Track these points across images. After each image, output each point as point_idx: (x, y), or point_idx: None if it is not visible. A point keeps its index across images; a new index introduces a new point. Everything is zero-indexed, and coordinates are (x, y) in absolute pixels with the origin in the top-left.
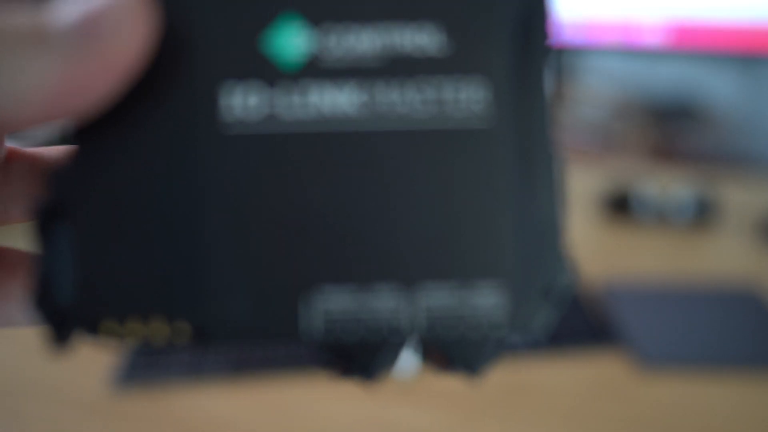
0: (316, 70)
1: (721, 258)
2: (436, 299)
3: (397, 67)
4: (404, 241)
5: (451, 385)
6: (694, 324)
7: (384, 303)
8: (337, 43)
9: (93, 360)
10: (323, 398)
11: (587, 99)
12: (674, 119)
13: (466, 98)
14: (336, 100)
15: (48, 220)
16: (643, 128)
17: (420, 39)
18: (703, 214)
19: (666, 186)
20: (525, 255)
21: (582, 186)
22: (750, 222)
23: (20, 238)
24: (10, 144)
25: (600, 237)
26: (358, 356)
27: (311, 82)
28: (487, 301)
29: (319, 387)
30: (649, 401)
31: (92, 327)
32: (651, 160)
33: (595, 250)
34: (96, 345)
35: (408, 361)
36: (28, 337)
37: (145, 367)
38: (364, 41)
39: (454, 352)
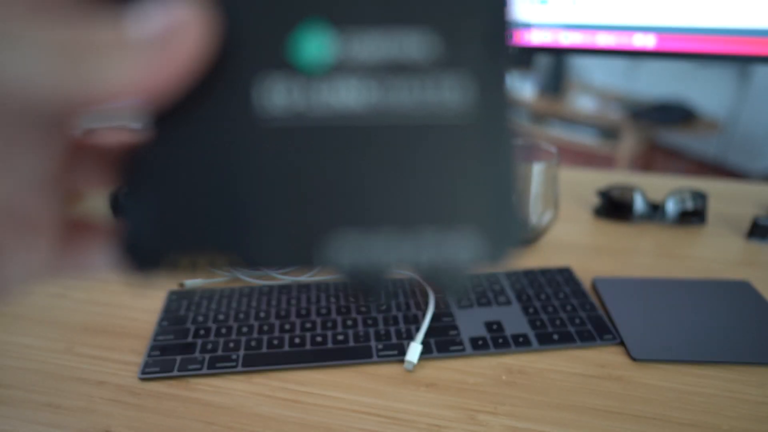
0: (333, 72)
1: (713, 257)
2: (425, 239)
3: (397, 71)
4: (400, 199)
5: (453, 375)
6: (686, 320)
7: (384, 241)
8: (350, 50)
9: (123, 353)
10: (331, 388)
11: (581, 102)
12: (666, 121)
13: (450, 95)
14: (344, 99)
15: (131, 181)
16: (636, 130)
17: (415, 45)
18: (694, 214)
19: (659, 187)
20: (492, 209)
21: (578, 186)
22: (739, 222)
23: (93, 204)
24: (84, 128)
25: (595, 235)
26: (366, 281)
27: (329, 83)
28: (463, 240)
29: (328, 378)
30: (644, 391)
31: (167, 260)
32: (641, 165)
33: (590, 248)
34: (170, 276)
35: (413, 351)
36: (64, 331)
37: (169, 360)
38: (372, 48)
39: (440, 279)
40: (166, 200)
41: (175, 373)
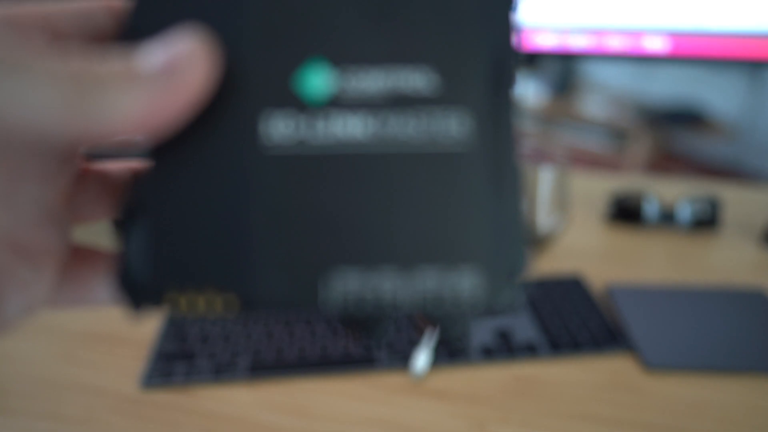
0: (334, 105)
1: (726, 263)
2: (427, 280)
3: (398, 104)
4: (403, 235)
5: (462, 384)
6: (700, 327)
7: (386, 282)
8: (352, 84)
9: (124, 360)
10: (337, 398)
11: (592, 106)
12: (678, 125)
13: (452, 127)
14: (350, 129)
15: (130, 214)
16: (647, 134)
17: (416, 79)
18: (707, 220)
19: (672, 192)
20: (495, 247)
21: (589, 191)
22: (755, 227)
23: (94, 235)
24: (85, 160)
25: (607, 241)
26: (365, 323)
27: (331, 115)
28: (467, 281)
29: (334, 388)
30: (656, 401)
31: (161, 297)
32: (652, 168)
33: (602, 254)
34: (165, 312)
35: (420, 360)
36: (65, 340)
37: (171, 368)
38: (372, 82)
39: (442, 322)
40: (163, 235)
41: (177, 381)
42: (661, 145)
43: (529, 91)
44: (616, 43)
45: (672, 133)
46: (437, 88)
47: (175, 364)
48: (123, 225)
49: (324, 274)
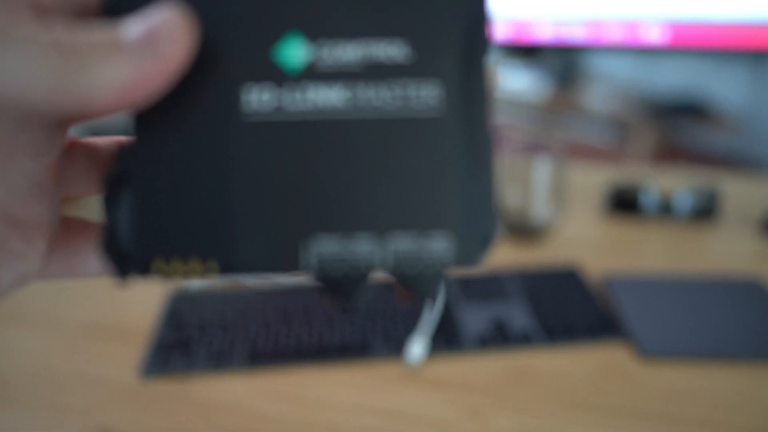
0: (312, 73)
1: (724, 253)
2: (401, 244)
3: (373, 71)
4: (377, 202)
5: (457, 373)
6: (696, 316)
7: (362, 247)
8: (329, 54)
9: (123, 351)
10: (334, 386)
11: (592, 102)
12: (679, 120)
13: (424, 94)
14: (327, 96)
15: (114, 185)
16: (650, 125)
17: (390, 50)
18: (707, 210)
19: (671, 182)
20: (467, 212)
21: (589, 182)
22: (753, 217)
23: (83, 209)
24: (71, 134)
25: (605, 231)
26: (343, 286)
27: (309, 83)
28: (438, 245)
29: (331, 377)
30: (651, 389)
31: (146, 265)
32: (656, 160)
33: (600, 245)
34: (149, 281)
35: (417, 349)
36: (65, 331)
37: (170, 358)
38: (348, 52)
39: (414, 283)
40: (147, 204)
41: (176, 371)
42: (665, 137)
43: (528, 82)
44: (613, 34)
45: (676, 125)
46: (410, 59)
47: (173, 353)
48: (108, 195)
49: (303, 241)
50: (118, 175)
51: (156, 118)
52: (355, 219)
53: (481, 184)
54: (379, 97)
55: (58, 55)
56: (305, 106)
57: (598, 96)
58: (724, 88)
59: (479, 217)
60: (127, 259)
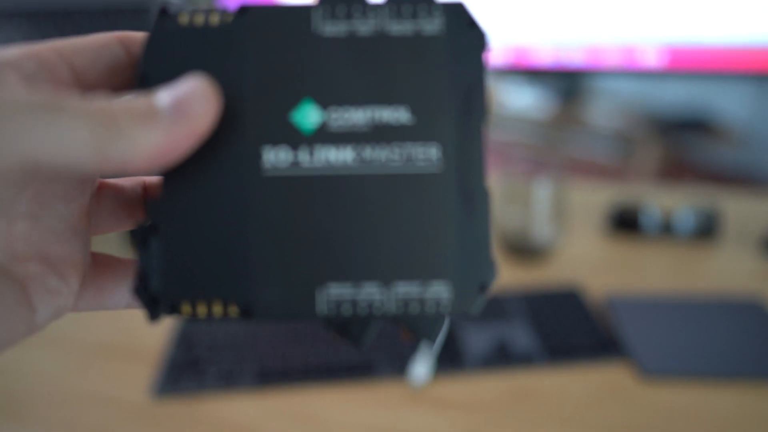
0: (325, 135)
1: (725, 271)
2: (404, 292)
3: (379, 134)
4: (383, 253)
5: (460, 393)
6: (697, 336)
7: (369, 294)
8: (339, 118)
9: (135, 371)
10: (340, 406)
11: (596, 119)
12: (684, 135)
13: (425, 154)
14: (337, 155)
15: (144, 235)
16: (654, 141)
17: (394, 115)
18: (708, 229)
19: (672, 201)
20: (465, 263)
21: (590, 201)
22: (754, 236)
23: (110, 244)
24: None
25: (606, 251)
26: (352, 327)
27: (321, 143)
28: (438, 293)
29: (337, 396)
30: (652, 409)
31: (174, 308)
32: (661, 176)
33: (601, 264)
34: (176, 319)
35: (421, 369)
36: (78, 351)
37: (181, 378)
38: (356, 116)
39: (416, 327)
40: (173, 253)
41: (187, 390)
42: (670, 153)
43: (531, 99)
44: (612, 59)
45: (680, 140)
46: (412, 122)
47: (184, 373)
48: (138, 244)
49: (316, 289)
50: (147, 225)
51: (181, 174)
52: (363, 269)
53: (479, 235)
54: (384, 156)
55: (101, 123)
56: (318, 164)
57: (602, 112)
58: (729, 102)
59: (476, 267)
60: (157, 303)
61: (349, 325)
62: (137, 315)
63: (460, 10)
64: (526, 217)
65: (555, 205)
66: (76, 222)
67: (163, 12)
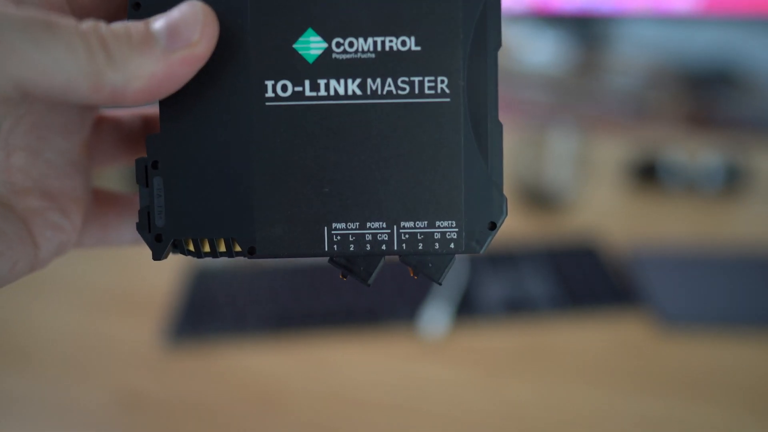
0: (330, 64)
1: (749, 225)
2: (411, 232)
3: (385, 63)
4: (389, 193)
5: (477, 343)
6: (719, 287)
7: (376, 232)
8: (344, 47)
9: (146, 317)
10: (357, 355)
11: (620, 68)
12: (711, 86)
13: (434, 83)
14: (343, 84)
15: (145, 173)
16: (678, 96)
17: (401, 43)
18: (732, 182)
19: (695, 154)
20: (475, 200)
21: (610, 154)
22: None
23: (113, 179)
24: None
25: (628, 204)
26: (358, 264)
27: (326, 73)
28: (446, 234)
29: (353, 345)
30: (670, 360)
31: (178, 245)
32: (686, 128)
33: (622, 217)
34: (179, 257)
35: (438, 322)
36: (88, 297)
37: (193, 324)
38: (362, 46)
39: (423, 268)
40: (174, 190)
41: (199, 335)
42: (696, 107)
43: (551, 52)
44: (639, 2)
45: (707, 93)
46: (420, 52)
47: (196, 318)
48: (140, 180)
49: (324, 227)
50: (148, 163)
51: (181, 107)
52: (370, 208)
53: (489, 170)
54: (390, 86)
55: (95, 47)
56: (322, 93)
57: (624, 65)
58: (757, 53)
59: (486, 204)
60: (161, 240)
61: (355, 262)
62: (147, 260)
63: None
64: (544, 165)
65: (573, 154)
66: (76, 156)
67: None
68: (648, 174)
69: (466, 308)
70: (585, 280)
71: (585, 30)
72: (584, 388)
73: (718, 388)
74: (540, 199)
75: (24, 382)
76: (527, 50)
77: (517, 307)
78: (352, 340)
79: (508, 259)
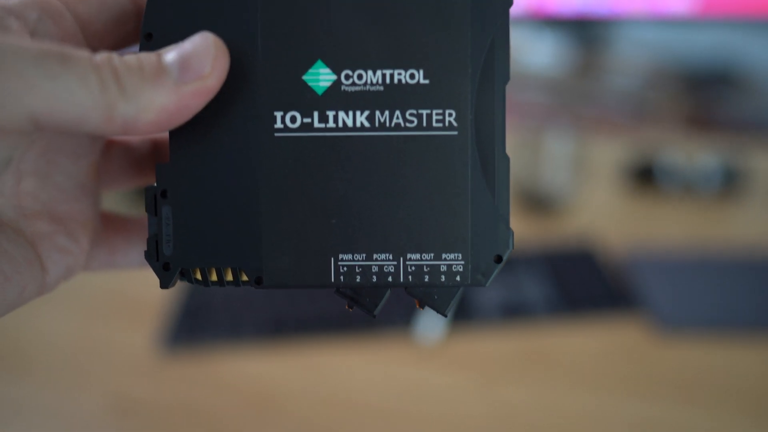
0: (338, 96)
1: (747, 227)
2: (417, 264)
3: (394, 96)
4: (396, 225)
5: (474, 348)
6: (716, 290)
7: (382, 264)
8: (353, 79)
9: (143, 323)
10: (353, 360)
11: (618, 69)
12: (709, 87)
13: (441, 116)
14: (351, 116)
15: (155, 200)
16: (677, 97)
17: (409, 77)
18: (730, 184)
19: (693, 155)
20: (481, 234)
21: (608, 156)
22: None
23: (120, 202)
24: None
25: (625, 207)
26: (364, 296)
27: (335, 104)
28: (452, 266)
29: (349, 349)
30: (667, 365)
31: (186, 274)
32: (685, 130)
33: (620, 220)
34: (187, 284)
35: (434, 327)
36: (84, 301)
37: (190, 329)
38: (371, 78)
39: (428, 300)
40: (182, 219)
41: (196, 341)
42: (694, 108)
43: (550, 54)
44: (636, 3)
45: (703, 95)
46: (428, 85)
47: (192, 323)
48: (149, 208)
49: (330, 259)
50: (158, 191)
51: (190, 136)
52: (377, 240)
53: (496, 205)
54: (397, 118)
55: (108, 80)
56: (330, 125)
57: (623, 66)
58: (756, 54)
59: (492, 237)
60: (169, 269)
61: (361, 293)
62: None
63: None
64: (541, 167)
65: (571, 156)
66: (85, 179)
67: None
68: (645, 176)
69: (463, 313)
70: (582, 284)
71: (583, 32)
72: (581, 393)
73: (715, 392)
74: (537, 201)
75: (20, 387)
76: (526, 52)
77: (514, 311)
78: (348, 346)
79: (505, 264)
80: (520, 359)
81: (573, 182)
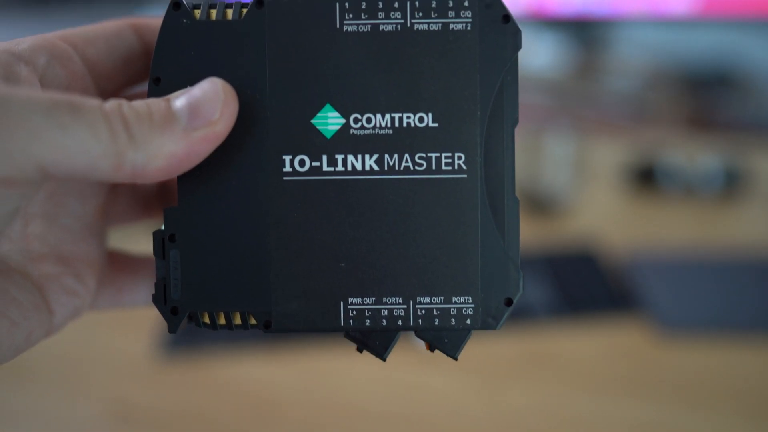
0: (347, 140)
1: (748, 228)
2: (427, 308)
3: (402, 139)
4: (405, 269)
5: (474, 351)
6: (718, 292)
7: (392, 309)
8: (362, 123)
9: (141, 328)
10: (353, 364)
11: (618, 70)
12: (710, 88)
13: (451, 160)
14: (360, 160)
15: (163, 243)
16: (677, 98)
17: (418, 120)
18: (731, 185)
19: (694, 157)
20: (491, 277)
21: (610, 158)
22: None
23: (126, 239)
24: None
25: (626, 208)
26: (374, 340)
27: (344, 148)
28: (462, 310)
29: (349, 353)
30: (669, 368)
31: (193, 318)
32: (685, 131)
33: (621, 221)
34: (195, 328)
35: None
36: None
37: (188, 335)
38: (380, 122)
39: (438, 343)
40: (191, 264)
41: (196, 345)
42: (695, 109)
43: (549, 55)
44: (636, 4)
45: (704, 95)
46: (437, 129)
47: (190, 330)
48: (157, 252)
49: (339, 303)
50: (166, 235)
51: (199, 180)
52: (386, 284)
53: (506, 248)
54: (407, 162)
55: (118, 129)
56: (339, 169)
57: (622, 68)
58: (756, 54)
59: (502, 280)
60: (177, 313)
61: (370, 337)
62: None
63: (495, 2)
64: (541, 169)
65: (571, 157)
66: (92, 220)
67: (176, 5)
68: (646, 177)
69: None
70: (583, 286)
71: (583, 33)
72: (583, 395)
73: (717, 394)
74: (537, 203)
75: (19, 393)
76: (525, 53)
77: (514, 313)
78: (348, 350)
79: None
80: (521, 361)
81: (573, 184)
